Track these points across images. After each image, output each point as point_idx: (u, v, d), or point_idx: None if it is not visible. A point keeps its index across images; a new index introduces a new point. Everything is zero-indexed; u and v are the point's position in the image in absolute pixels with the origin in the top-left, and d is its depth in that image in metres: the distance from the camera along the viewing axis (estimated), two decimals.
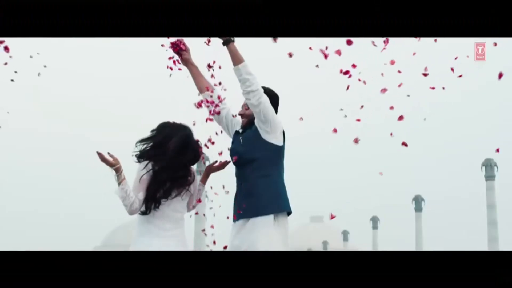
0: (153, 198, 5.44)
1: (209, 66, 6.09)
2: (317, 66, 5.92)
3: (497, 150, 6.61)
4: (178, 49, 6.11)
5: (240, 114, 5.98)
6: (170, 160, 5.49)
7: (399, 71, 6.02)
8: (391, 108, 6.22)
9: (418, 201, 42.32)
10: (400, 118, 6.06)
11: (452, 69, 6.04)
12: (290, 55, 5.93)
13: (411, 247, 41.23)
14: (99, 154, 5.37)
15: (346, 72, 5.86)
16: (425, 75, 6.06)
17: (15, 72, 6.65)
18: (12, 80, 6.81)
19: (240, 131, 5.94)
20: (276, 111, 5.82)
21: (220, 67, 6.07)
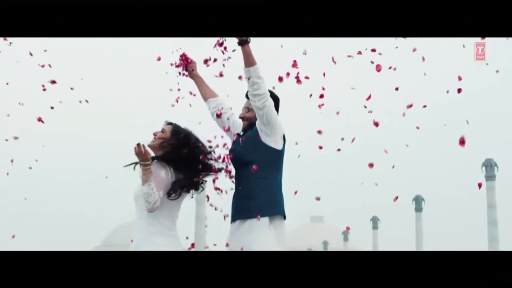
0: (188, 185, 5.50)
1: (218, 116, 6.13)
2: (273, 87, 5.95)
3: (479, 185, 6.64)
4: (185, 64, 6.21)
5: (240, 117, 5.99)
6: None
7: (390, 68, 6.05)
8: (396, 89, 6.24)
9: (418, 201, 42.24)
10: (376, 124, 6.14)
11: (460, 78, 6.06)
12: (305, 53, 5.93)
13: (411, 247, 41.17)
14: (139, 145, 5.32)
15: (287, 75, 5.84)
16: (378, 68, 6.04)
17: (60, 102, 6.74)
18: (52, 108, 6.90)
19: (241, 133, 5.96)
20: (277, 113, 5.83)
21: (231, 108, 6.15)
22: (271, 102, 5.71)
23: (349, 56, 6.05)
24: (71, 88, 6.92)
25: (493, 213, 32.14)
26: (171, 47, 6.17)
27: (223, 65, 6.04)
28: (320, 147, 6.19)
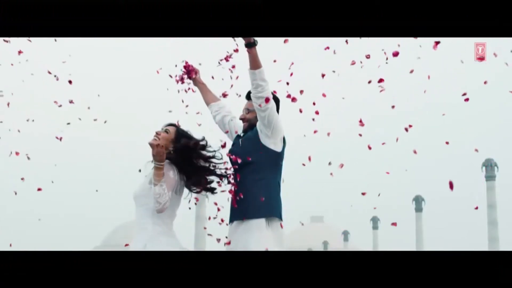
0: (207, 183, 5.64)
1: (223, 146, 6.18)
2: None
3: (476, 208, 6.64)
4: (190, 73, 6.26)
5: (241, 118, 6.00)
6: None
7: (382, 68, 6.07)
8: (393, 107, 6.26)
9: (418, 201, 42.28)
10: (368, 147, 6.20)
11: (465, 94, 6.07)
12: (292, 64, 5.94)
13: (411, 247, 41.18)
14: (158, 146, 5.37)
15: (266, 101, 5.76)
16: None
17: (79, 119, 6.82)
18: (68, 124, 6.97)
19: (241, 134, 5.97)
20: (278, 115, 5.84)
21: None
22: (273, 104, 5.72)
23: (333, 71, 6.09)
24: (88, 108, 6.97)
25: (493, 213, 32.17)
26: (171, 47, 6.20)
27: (231, 86, 6.08)
28: (303, 164, 6.23)
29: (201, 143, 5.67)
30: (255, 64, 5.63)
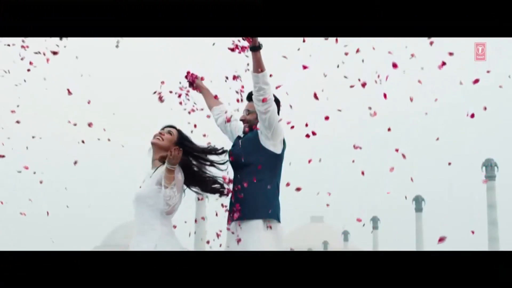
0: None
1: (228, 120, 6.19)
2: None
3: (472, 232, 6.59)
4: (191, 80, 6.31)
5: (241, 119, 6.01)
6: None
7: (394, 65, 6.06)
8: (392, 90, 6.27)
9: (418, 201, 42.26)
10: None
11: (468, 114, 6.09)
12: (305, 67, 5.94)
13: (411, 247, 41.16)
14: (176, 149, 5.41)
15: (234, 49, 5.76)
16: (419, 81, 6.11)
17: (98, 139, 6.88)
18: (75, 125, 7.01)
19: (242, 136, 5.97)
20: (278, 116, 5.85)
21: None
22: (274, 107, 5.73)
23: (322, 90, 6.11)
24: (104, 129, 7.01)
25: (493, 213, 32.14)
26: (171, 47, 6.20)
27: (237, 110, 6.12)
28: (299, 188, 6.23)
29: (219, 150, 5.76)
30: (258, 67, 5.63)
